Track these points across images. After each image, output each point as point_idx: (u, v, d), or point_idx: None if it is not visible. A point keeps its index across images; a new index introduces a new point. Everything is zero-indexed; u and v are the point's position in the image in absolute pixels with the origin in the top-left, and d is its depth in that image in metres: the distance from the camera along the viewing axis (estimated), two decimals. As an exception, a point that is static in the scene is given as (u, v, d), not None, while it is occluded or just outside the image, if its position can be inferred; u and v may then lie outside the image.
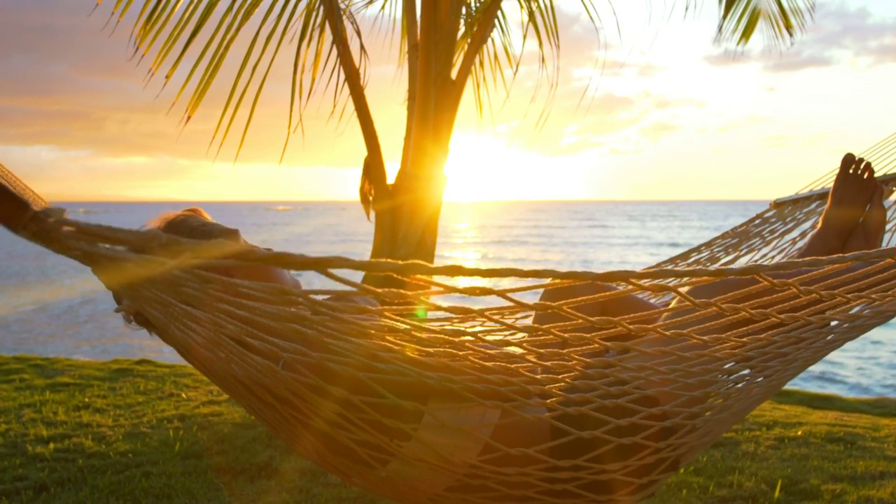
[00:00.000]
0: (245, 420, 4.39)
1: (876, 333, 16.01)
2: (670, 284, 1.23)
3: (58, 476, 3.47)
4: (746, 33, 6.17)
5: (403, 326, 1.27)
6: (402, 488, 1.65)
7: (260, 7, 4.28)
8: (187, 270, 1.01)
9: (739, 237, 2.98)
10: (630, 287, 1.19)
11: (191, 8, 4.20)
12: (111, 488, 3.34)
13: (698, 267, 2.80)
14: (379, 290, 1.09)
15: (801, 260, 1.25)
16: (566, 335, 1.32)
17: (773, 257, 2.80)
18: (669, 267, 2.89)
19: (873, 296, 1.57)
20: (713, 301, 1.29)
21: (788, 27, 6.18)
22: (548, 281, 1.15)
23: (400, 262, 1.00)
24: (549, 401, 1.45)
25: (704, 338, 1.41)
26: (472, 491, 1.60)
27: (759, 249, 2.87)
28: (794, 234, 2.84)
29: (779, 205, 3.04)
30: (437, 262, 5.02)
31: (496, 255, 44.60)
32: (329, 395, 1.38)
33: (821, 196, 2.85)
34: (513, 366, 1.40)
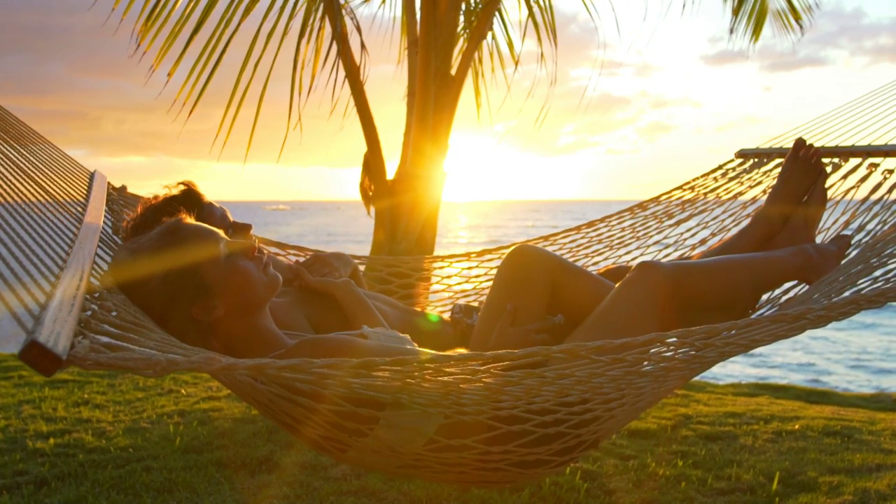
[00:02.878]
0: (245, 415, 4.40)
1: (860, 339, 16.06)
2: (581, 352, 1.49)
3: (58, 471, 3.48)
4: (756, 31, 6.19)
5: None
6: (359, 464, 2.02)
7: (260, 4, 4.30)
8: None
9: (697, 191, 3.09)
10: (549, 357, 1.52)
11: (191, 6, 4.21)
12: (112, 482, 3.35)
13: (652, 220, 3.10)
14: (336, 374, 1.40)
15: (698, 329, 1.59)
16: (490, 380, 1.58)
17: (723, 220, 2.98)
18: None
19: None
20: (622, 356, 1.55)
21: (798, 19, 6.20)
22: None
23: (354, 360, 1.40)
24: (483, 407, 1.64)
25: (614, 373, 1.62)
26: (419, 468, 1.88)
27: (712, 210, 3.00)
28: (747, 197, 3.00)
29: (742, 155, 3.13)
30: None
31: (486, 240, 44.38)
32: (298, 403, 1.62)
33: (781, 154, 2.94)
34: (448, 389, 1.60)
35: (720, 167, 3.14)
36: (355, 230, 64.50)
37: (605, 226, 3.10)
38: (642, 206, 3.12)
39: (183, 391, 5.10)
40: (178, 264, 1.79)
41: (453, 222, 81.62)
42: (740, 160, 3.13)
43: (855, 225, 2.59)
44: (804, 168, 2.67)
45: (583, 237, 3.07)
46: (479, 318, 2.23)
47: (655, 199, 3.13)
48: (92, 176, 2.48)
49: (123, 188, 2.73)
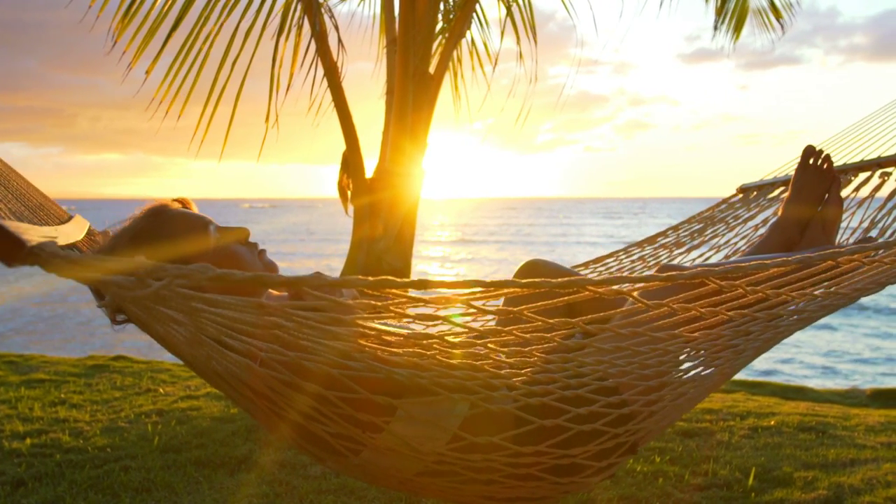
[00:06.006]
0: (224, 414, 4.39)
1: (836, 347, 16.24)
2: (624, 288, 1.30)
3: (35, 471, 3.46)
4: (737, 29, 6.23)
5: (373, 332, 1.36)
6: (374, 473, 1.74)
7: (238, 2, 4.29)
8: (172, 290, 1.07)
9: (705, 222, 3.06)
10: (587, 293, 1.28)
11: (168, 3, 4.19)
12: (90, 483, 3.33)
13: (662, 251, 2.90)
14: (351, 302, 1.20)
15: (747, 264, 1.37)
16: (527, 335, 1.40)
17: (735, 243, 2.89)
18: (628, 262, 2.97)
19: (816, 292, 1.66)
20: (665, 302, 1.40)
21: (779, 17, 6.25)
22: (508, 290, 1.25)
23: (371, 278, 1.10)
24: (513, 392, 1.51)
25: (658, 334, 1.49)
26: (441, 475, 1.67)
27: (723, 235, 2.96)
28: (757, 220, 2.92)
29: (744, 190, 3.11)
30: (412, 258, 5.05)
31: (462, 255, 44.44)
32: (304, 390, 1.45)
33: (784, 183, 2.92)
34: (478, 363, 1.47)
35: (724, 201, 3.11)
36: (334, 228, 64.38)
37: (615, 260, 3.02)
38: (650, 240, 3.04)
39: (161, 390, 5.08)
40: (163, 246, 1.70)
41: (432, 220, 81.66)
42: (742, 195, 3.10)
43: (877, 229, 2.50)
44: (817, 176, 2.54)
45: (591, 272, 2.97)
46: None
47: (663, 234, 3.07)
48: (70, 217, 2.41)
49: (107, 232, 2.68)
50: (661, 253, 2.98)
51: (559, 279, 1.20)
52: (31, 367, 5.91)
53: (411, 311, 1.29)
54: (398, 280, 1.10)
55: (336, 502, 3.12)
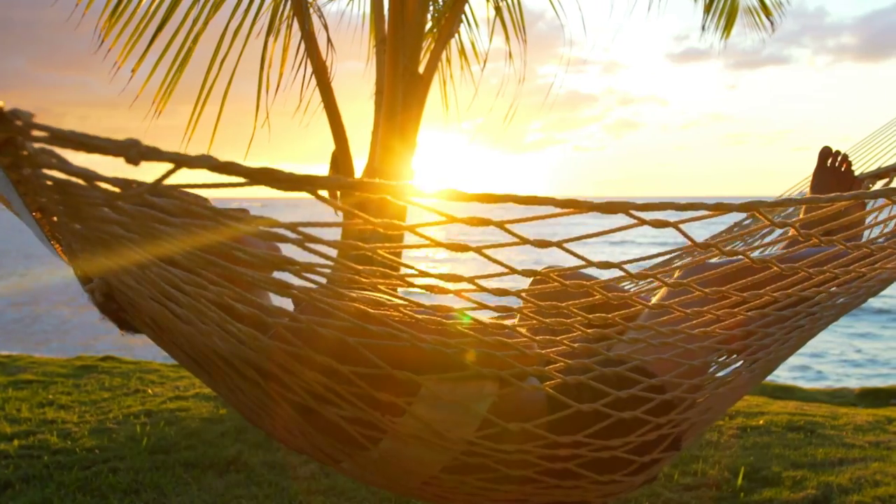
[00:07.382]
0: (213, 415, 4.37)
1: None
2: (671, 220, 1.13)
3: (23, 473, 3.44)
4: (727, 28, 6.24)
5: (396, 272, 1.23)
6: (395, 471, 1.56)
7: (227, 1, 4.28)
8: (164, 189, 0.89)
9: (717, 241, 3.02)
10: (633, 222, 1.12)
11: (155, 2, 4.17)
12: (78, 484, 3.31)
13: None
14: (376, 220, 1.07)
15: (798, 198, 1.25)
16: (567, 283, 1.26)
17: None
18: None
19: (872, 246, 1.54)
20: (713, 243, 1.28)
21: (769, 15, 6.27)
22: (546, 210, 1.08)
23: (393, 182, 0.97)
24: (547, 368, 1.41)
25: (707, 290, 1.37)
26: (471, 472, 1.51)
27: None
28: (774, 235, 2.90)
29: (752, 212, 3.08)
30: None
31: (447, 254, 44.35)
32: (317, 365, 1.30)
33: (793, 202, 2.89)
34: (508, 324, 1.37)
35: (736, 225, 3.11)
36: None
37: (631, 283, 3.02)
38: (664, 264, 3.05)
39: (150, 391, 5.06)
40: None
41: (420, 220, 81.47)
42: (751, 219, 3.10)
43: None
44: (836, 179, 2.44)
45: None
46: None
47: (678, 256, 3.07)
48: None
49: None
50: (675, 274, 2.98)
51: (602, 202, 1.06)
52: (18, 367, 5.88)
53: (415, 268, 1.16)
54: (421, 190, 0.99)
55: (325, 503, 3.11)
